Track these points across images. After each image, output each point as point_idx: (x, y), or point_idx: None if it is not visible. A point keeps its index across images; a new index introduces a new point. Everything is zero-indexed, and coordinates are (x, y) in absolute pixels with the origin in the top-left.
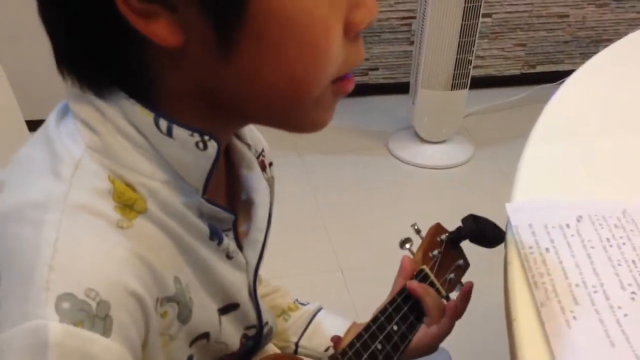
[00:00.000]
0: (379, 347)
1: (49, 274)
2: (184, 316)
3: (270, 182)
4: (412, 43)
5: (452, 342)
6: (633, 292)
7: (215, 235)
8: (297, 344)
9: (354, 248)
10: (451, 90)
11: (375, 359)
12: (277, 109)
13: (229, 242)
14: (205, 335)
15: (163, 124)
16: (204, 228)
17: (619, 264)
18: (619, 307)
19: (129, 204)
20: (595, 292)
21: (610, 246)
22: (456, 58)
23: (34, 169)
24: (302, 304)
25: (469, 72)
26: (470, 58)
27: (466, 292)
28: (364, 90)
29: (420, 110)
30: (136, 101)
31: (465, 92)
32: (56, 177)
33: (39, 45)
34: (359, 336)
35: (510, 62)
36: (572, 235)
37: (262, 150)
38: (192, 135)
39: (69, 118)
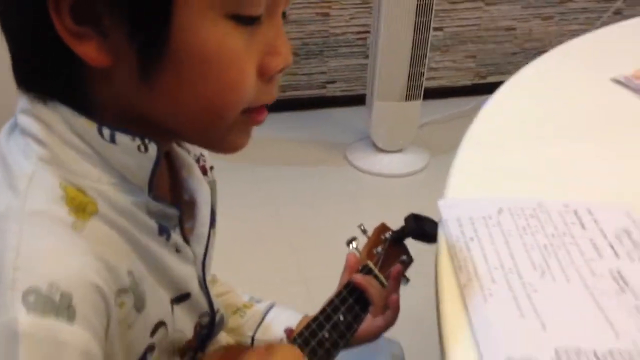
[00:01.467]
0: (326, 335)
1: (14, 274)
2: (139, 305)
3: (212, 185)
4: (367, 56)
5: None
6: (543, 272)
7: (163, 231)
8: (252, 338)
9: (316, 257)
10: (405, 101)
11: (323, 346)
12: (195, 131)
13: (176, 237)
14: (163, 324)
15: (106, 132)
16: (153, 224)
17: (532, 249)
18: (530, 284)
19: (81, 207)
20: (510, 273)
21: (526, 234)
22: (409, 70)
23: None
24: (257, 302)
25: (422, 84)
26: (423, 70)
27: (395, 276)
28: (322, 102)
29: (377, 121)
30: (79, 113)
31: (419, 103)
32: (12, 190)
33: None
34: (307, 326)
35: (462, 74)
36: (494, 226)
37: (201, 155)
38: (133, 139)
39: (18, 134)
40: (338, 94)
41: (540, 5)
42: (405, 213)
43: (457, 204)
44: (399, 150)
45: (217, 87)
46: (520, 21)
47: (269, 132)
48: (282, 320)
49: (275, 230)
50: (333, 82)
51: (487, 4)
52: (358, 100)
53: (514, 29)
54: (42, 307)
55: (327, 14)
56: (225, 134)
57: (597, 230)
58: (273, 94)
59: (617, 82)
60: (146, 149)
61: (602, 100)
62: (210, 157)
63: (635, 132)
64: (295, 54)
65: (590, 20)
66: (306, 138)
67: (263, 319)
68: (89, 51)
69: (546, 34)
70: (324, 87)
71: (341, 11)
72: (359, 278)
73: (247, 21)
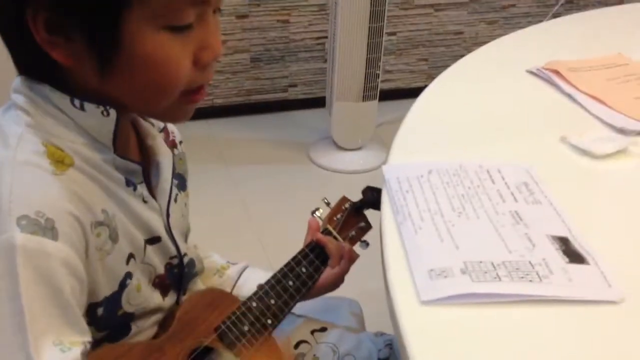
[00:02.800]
0: (290, 283)
1: (10, 205)
2: (113, 237)
3: (182, 156)
4: (326, 60)
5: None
6: (459, 213)
7: (130, 183)
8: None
9: (283, 249)
10: (363, 101)
11: (287, 291)
12: (143, 107)
13: (142, 190)
14: (132, 256)
15: (77, 102)
16: (120, 177)
17: (453, 197)
18: (449, 221)
19: (60, 160)
20: (435, 214)
21: (449, 187)
22: (365, 72)
23: None
24: (232, 264)
25: (378, 85)
26: (378, 72)
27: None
28: (285, 105)
29: (337, 120)
30: (56, 89)
31: (375, 103)
32: (6, 147)
33: None
34: (273, 275)
35: (416, 75)
36: (425, 182)
37: (171, 131)
38: (98, 107)
39: (12, 109)
40: (300, 97)
41: (485, 10)
42: None
43: (397, 167)
44: (358, 148)
45: (158, 79)
46: (467, 26)
47: (237, 134)
48: (255, 278)
49: (245, 224)
50: (295, 85)
51: (437, 10)
52: (318, 102)
53: (461, 33)
54: (31, 229)
55: (287, 21)
56: (167, 110)
57: (502, 183)
58: (209, 77)
59: (531, 73)
60: (108, 114)
61: (516, 87)
62: (188, 162)
63: (542, 112)
64: (258, 60)
65: (532, 24)
66: (271, 139)
67: (239, 278)
68: (59, 55)
69: (491, 37)
70: (286, 91)
71: (300, 18)
72: (319, 236)
73: (180, 30)
